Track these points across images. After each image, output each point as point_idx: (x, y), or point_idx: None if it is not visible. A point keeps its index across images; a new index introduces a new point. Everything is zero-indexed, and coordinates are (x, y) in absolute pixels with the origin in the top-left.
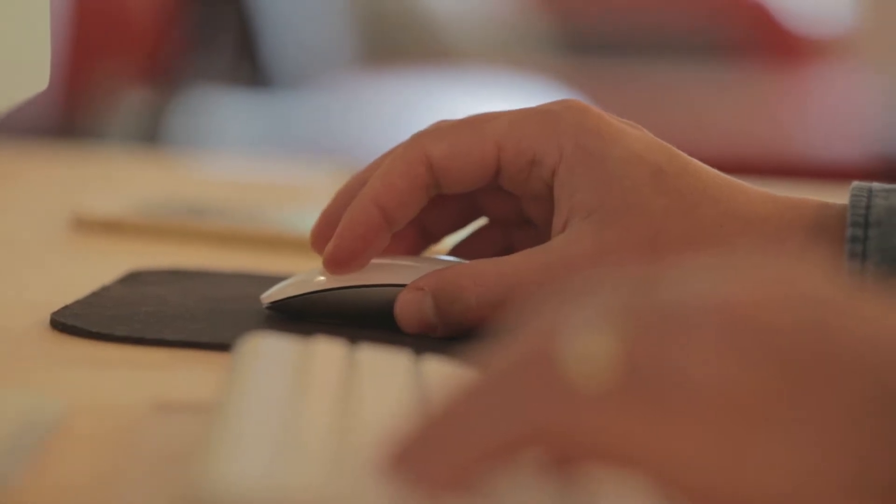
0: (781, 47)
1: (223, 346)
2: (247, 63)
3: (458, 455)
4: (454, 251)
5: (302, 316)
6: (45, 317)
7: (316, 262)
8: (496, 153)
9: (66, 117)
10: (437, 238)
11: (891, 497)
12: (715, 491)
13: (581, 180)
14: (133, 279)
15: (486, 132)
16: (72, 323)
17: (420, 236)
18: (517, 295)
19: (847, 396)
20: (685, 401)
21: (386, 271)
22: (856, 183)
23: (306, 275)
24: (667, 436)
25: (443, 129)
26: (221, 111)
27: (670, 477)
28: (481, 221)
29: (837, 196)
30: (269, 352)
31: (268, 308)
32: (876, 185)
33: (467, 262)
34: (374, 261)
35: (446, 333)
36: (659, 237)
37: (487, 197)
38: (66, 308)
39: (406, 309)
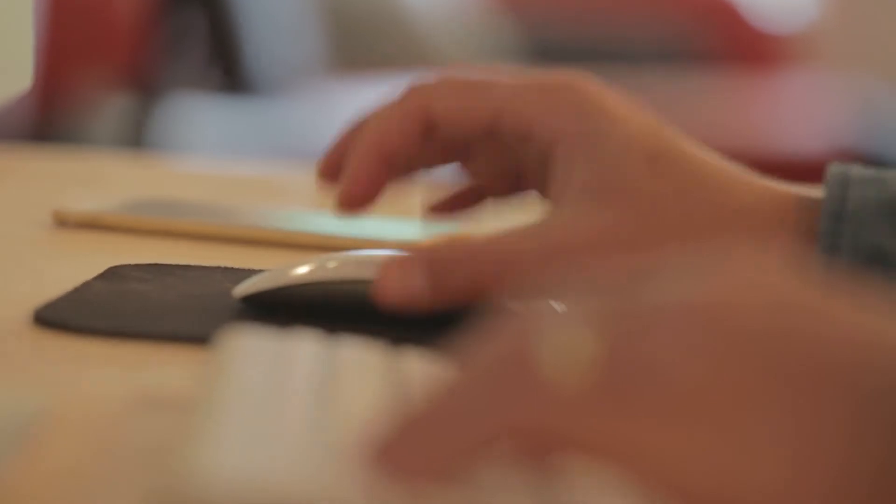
0: (748, 48)
1: (204, 340)
2: (223, 69)
3: (435, 449)
4: (435, 209)
5: (274, 310)
6: (29, 312)
7: (290, 258)
8: (494, 118)
9: (43, 123)
10: (484, 196)
11: (871, 502)
12: (687, 487)
13: (580, 160)
14: (114, 275)
15: (487, 97)
16: (55, 318)
17: (471, 198)
18: (513, 272)
19: (823, 399)
20: (660, 398)
21: (354, 266)
22: (833, 168)
23: (279, 269)
24: (641, 432)
25: (446, 86)
26: (198, 117)
27: (643, 473)
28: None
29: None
30: (248, 346)
31: (240, 302)
32: (854, 171)
33: (462, 235)
34: (342, 255)
35: (432, 305)
36: (651, 220)
37: (481, 145)
38: (49, 304)
39: (391, 277)
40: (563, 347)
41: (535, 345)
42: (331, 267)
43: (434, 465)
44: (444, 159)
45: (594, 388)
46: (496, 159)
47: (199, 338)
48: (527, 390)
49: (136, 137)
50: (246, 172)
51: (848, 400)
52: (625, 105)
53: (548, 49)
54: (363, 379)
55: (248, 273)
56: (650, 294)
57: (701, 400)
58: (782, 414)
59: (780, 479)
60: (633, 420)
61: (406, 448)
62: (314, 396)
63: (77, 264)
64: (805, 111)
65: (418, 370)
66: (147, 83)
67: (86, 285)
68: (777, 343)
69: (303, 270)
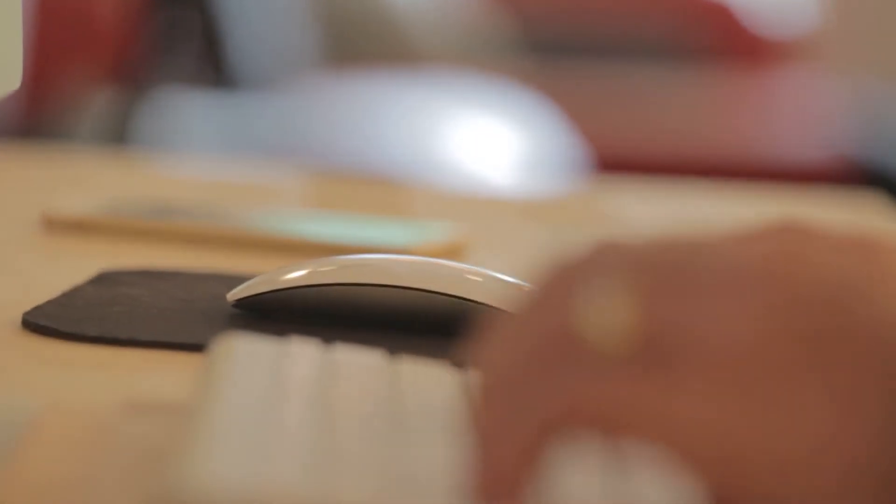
0: (745, 50)
1: (196, 347)
2: (212, 65)
3: (505, 456)
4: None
5: (268, 314)
6: (17, 317)
7: (283, 262)
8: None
9: (30, 119)
10: None
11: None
12: (726, 454)
13: None
14: (104, 279)
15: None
16: (44, 323)
17: None
18: None
19: (867, 374)
20: (705, 366)
21: (350, 270)
22: None
23: (273, 273)
24: (685, 400)
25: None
26: (187, 113)
27: (686, 443)
28: None
29: (802, 197)
30: (244, 352)
31: (234, 306)
32: None
33: None
34: (338, 259)
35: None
36: None
37: None
38: (37, 308)
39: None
40: (607, 318)
41: (576, 319)
42: (326, 270)
43: (507, 474)
44: None
45: (639, 357)
46: None
47: (191, 343)
48: (577, 368)
49: (123, 134)
50: (236, 172)
51: (891, 380)
52: None
53: (543, 45)
54: (360, 385)
55: (240, 277)
56: (697, 258)
57: (746, 369)
58: (826, 387)
59: (819, 443)
60: (678, 388)
61: (492, 466)
62: (311, 403)
63: (66, 267)
64: (805, 115)
65: (415, 375)
66: (135, 79)
67: (75, 290)
68: (825, 314)
69: (298, 274)
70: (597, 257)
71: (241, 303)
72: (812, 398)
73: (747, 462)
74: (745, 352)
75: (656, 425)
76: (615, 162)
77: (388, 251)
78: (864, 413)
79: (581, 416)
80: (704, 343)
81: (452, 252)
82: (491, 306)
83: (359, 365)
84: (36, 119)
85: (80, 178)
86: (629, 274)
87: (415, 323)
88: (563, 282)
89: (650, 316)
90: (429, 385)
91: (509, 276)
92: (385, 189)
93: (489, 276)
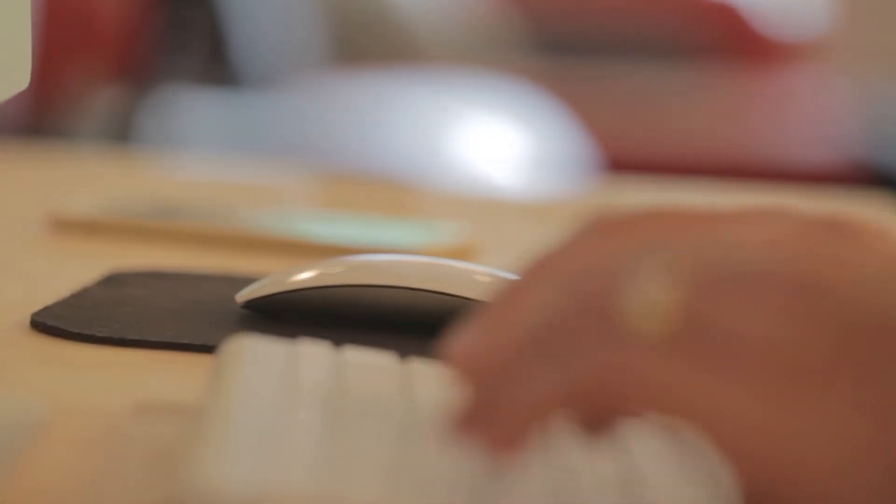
0: (754, 51)
1: (205, 348)
2: (217, 63)
3: (523, 397)
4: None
5: (277, 315)
6: (25, 318)
7: (291, 263)
8: None
9: (35, 118)
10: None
11: None
12: (759, 450)
13: None
14: (113, 280)
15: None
16: (52, 324)
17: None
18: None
19: None
20: (743, 357)
21: (359, 271)
22: None
23: (282, 274)
24: (714, 387)
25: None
26: (192, 111)
27: (711, 427)
28: None
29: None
30: (254, 353)
31: (243, 307)
32: None
33: None
34: (347, 259)
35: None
36: None
37: None
38: (46, 309)
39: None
40: (644, 298)
41: (616, 293)
42: (335, 272)
43: (519, 426)
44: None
45: (672, 339)
46: None
47: (200, 344)
48: (607, 337)
49: (128, 133)
50: (242, 172)
51: None
52: None
53: (551, 45)
54: (370, 387)
55: (248, 278)
56: (741, 253)
57: (783, 362)
58: (864, 385)
59: (851, 444)
60: (707, 374)
61: (491, 410)
62: (321, 404)
63: (73, 268)
64: (813, 116)
65: (425, 377)
66: (140, 78)
67: (84, 290)
68: (866, 314)
69: (307, 275)
70: (644, 229)
71: (250, 304)
72: (847, 402)
73: (778, 457)
74: (781, 351)
75: (689, 407)
76: (623, 162)
77: (397, 252)
78: None
79: (609, 387)
80: (742, 338)
81: (461, 253)
82: None
83: (369, 366)
84: (41, 118)
85: (86, 178)
86: (675, 259)
87: (424, 324)
88: (609, 244)
89: (690, 305)
90: (439, 386)
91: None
92: (393, 189)
93: (498, 276)
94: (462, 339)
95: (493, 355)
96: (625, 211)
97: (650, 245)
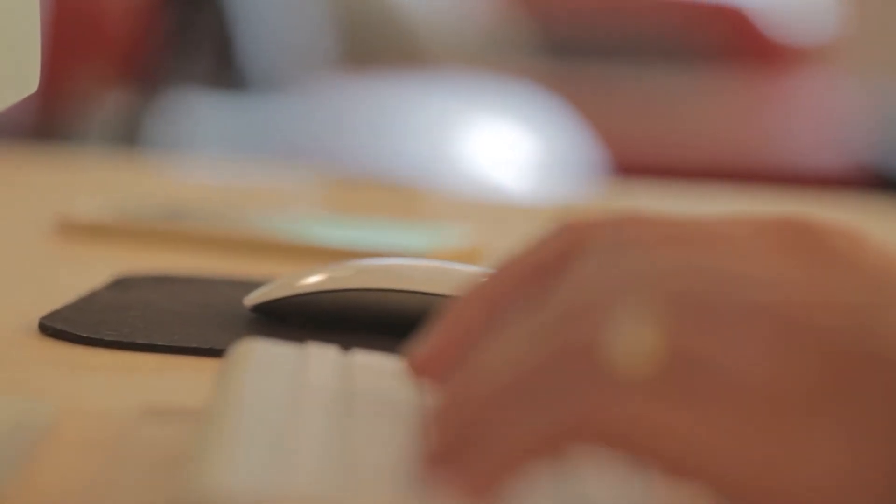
0: (762, 55)
1: (213, 352)
2: (225, 66)
3: (504, 448)
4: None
5: (285, 319)
6: (34, 321)
7: (299, 266)
8: None
9: (43, 120)
10: None
11: None
12: (751, 485)
13: None
14: (121, 284)
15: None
16: (61, 327)
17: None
18: None
19: (890, 403)
20: (729, 394)
21: (367, 275)
22: None
23: (290, 277)
24: (707, 427)
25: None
26: (200, 114)
27: (709, 470)
28: None
29: (817, 202)
30: (262, 357)
31: (252, 311)
32: None
33: None
34: (355, 263)
35: None
36: None
37: None
38: (54, 312)
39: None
40: (627, 338)
41: (598, 333)
42: (344, 275)
43: (498, 471)
44: None
45: (658, 378)
46: None
47: (209, 348)
48: (595, 384)
49: (136, 136)
50: (250, 175)
51: None
52: None
53: (559, 48)
54: (378, 391)
55: (256, 282)
56: (723, 287)
57: (770, 396)
58: (851, 413)
59: (843, 473)
60: (696, 410)
61: (470, 453)
62: (329, 408)
63: (81, 271)
64: (821, 120)
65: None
66: (148, 80)
67: (92, 294)
68: (848, 344)
69: (315, 279)
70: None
71: (258, 307)
72: (834, 431)
73: (773, 489)
74: (766, 383)
75: (680, 445)
76: (631, 165)
77: (405, 256)
78: (888, 444)
79: (594, 431)
80: (726, 374)
81: (469, 256)
82: None
83: (377, 370)
84: (49, 121)
85: (94, 182)
86: (655, 294)
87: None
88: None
89: (674, 343)
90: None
91: None
92: (401, 193)
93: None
94: (423, 350)
95: (467, 390)
96: (591, 216)
97: (629, 269)
